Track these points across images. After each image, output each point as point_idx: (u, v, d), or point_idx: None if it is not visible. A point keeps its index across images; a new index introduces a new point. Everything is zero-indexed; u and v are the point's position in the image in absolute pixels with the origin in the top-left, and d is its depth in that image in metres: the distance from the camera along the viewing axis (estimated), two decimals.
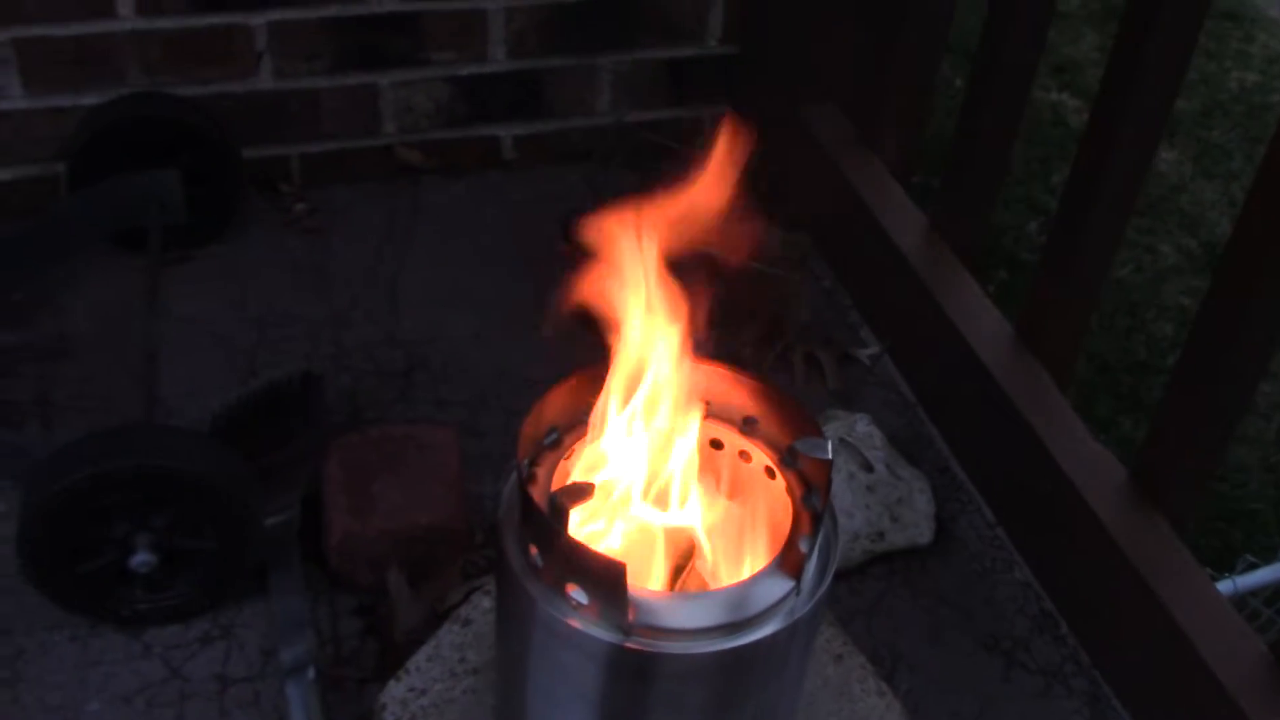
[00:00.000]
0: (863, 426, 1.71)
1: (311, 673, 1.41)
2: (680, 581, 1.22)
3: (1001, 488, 1.66)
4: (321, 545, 1.54)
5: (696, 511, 1.24)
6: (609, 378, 1.15)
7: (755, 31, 2.14)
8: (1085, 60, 3.02)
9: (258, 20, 1.97)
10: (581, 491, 1.10)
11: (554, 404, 1.20)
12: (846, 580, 1.63)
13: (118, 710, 1.41)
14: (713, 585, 1.22)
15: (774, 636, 1.11)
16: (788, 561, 1.12)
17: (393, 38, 2.05)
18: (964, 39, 2.51)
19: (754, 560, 1.21)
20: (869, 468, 1.67)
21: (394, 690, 1.34)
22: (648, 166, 2.13)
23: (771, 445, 1.22)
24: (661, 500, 1.23)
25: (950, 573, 1.65)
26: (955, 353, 1.69)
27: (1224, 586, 1.65)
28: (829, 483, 1.15)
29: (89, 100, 1.94)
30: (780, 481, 1.20)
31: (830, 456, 1.15)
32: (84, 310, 1.88)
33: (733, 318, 1.87)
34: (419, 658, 1.38)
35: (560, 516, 1.07)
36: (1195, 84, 3.09)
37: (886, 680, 1.51)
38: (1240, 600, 1.72)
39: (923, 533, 1.65)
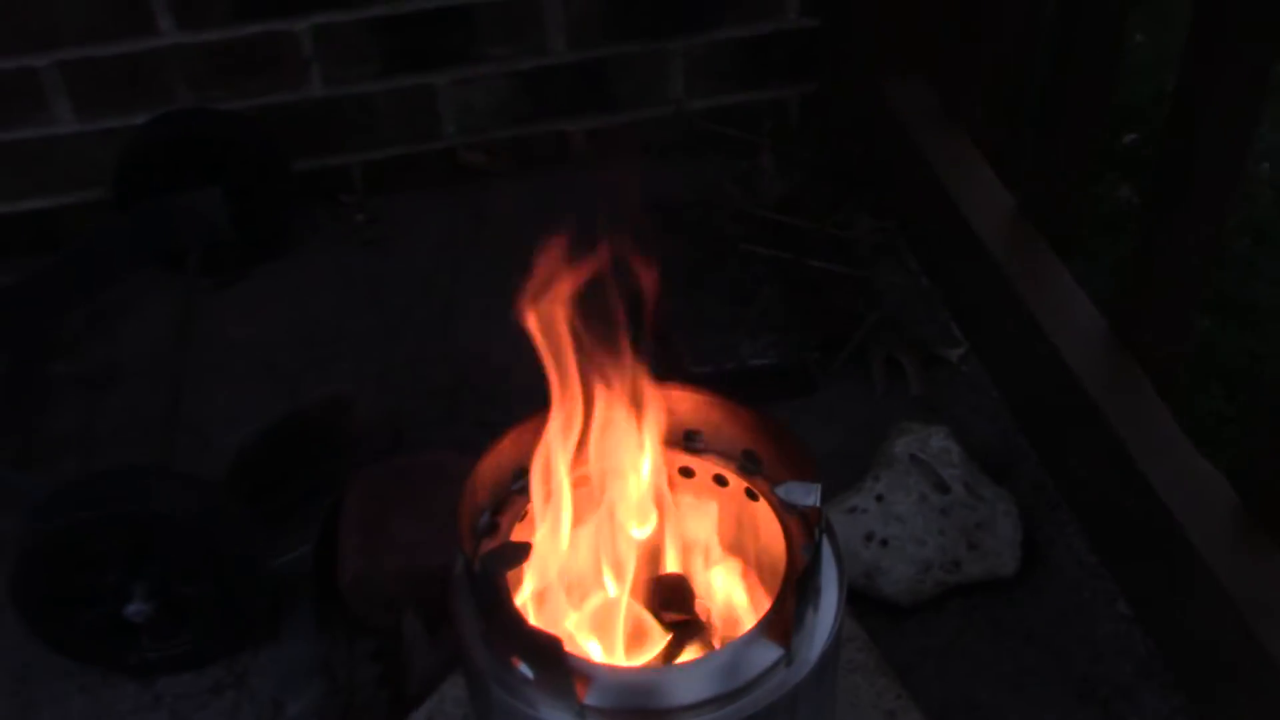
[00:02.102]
0: (938, 441, 1.51)
1: None
2: (678, 639, 1.07)
3: (1097, 510, 1.45)
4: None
5: (690, 559, 1.10)
6: (561, 423, 1.02)
7: (837, 1, 1.95)
8: None
9: (301, 25, 1.89)
10: (517, 553, 0.97)
11: (517, 445, 1.07)
12: (918, 616, 1.44)
13: None
14: (715, 644, 1.07)
15: (766, 711, 0.95)
16: (775, 625, 0.96)
17: (445, 34, 1.94)
18: None
19: (756, 615, 1.05)
20: (944, 488, 1.48)
21: None
22: (712, 155, 1.96)
23: (772, 485, 1.06)
24: (648, 548, 1.08)
25: (1040, 608, 1.44)
26: (1042, 355, 1.48)
27: None
28: (821, 532, 0.98)
29: (139, 119, 1.89)
30: (778, 528, 1.04)
31: (818, 504, 0.98)
32: (133, 338, 1.83)
33: (800, 320, 1.70)
34: (419, 714, 1.28)
35: (491, 583, 0.94)
36: None
37: None
38: None
39: (1005, 562, 1.45)
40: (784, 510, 1.04)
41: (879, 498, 1.48)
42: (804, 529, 1.02)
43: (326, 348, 1.81)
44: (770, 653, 0.96)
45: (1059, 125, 1.50)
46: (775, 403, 1.67)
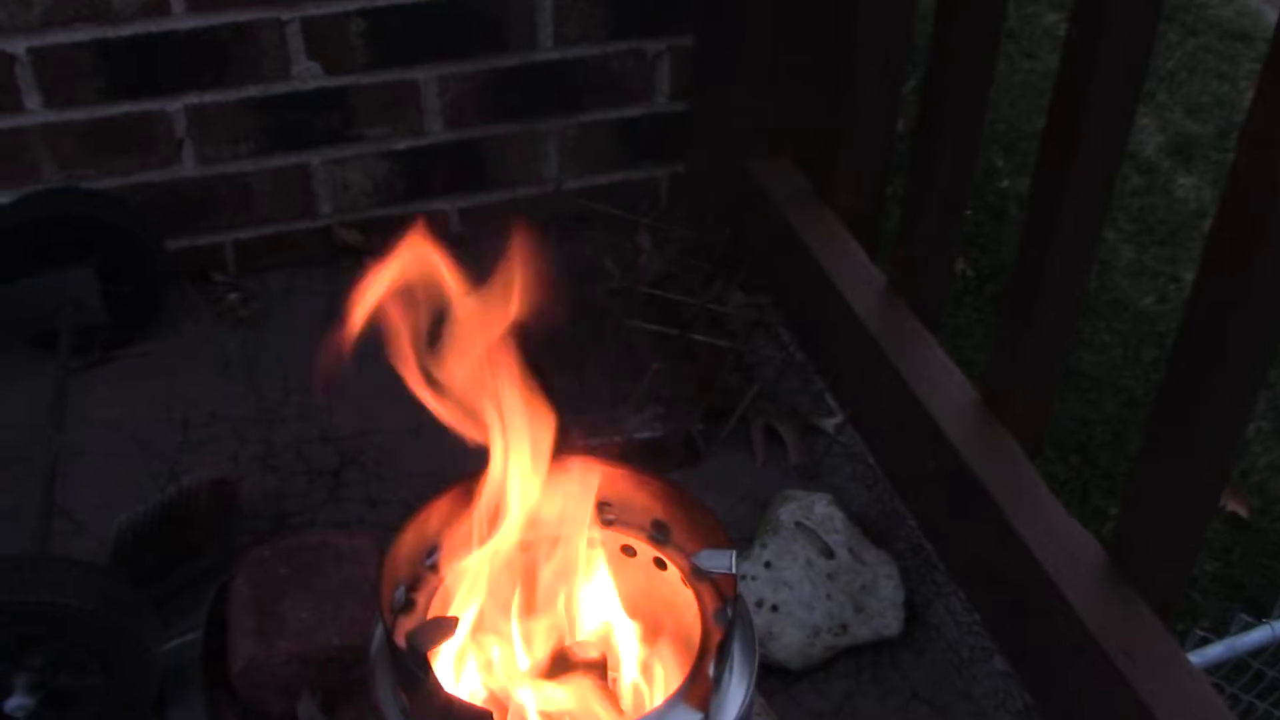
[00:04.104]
0: (821, 508, 1.57)
1: None
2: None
3: (973, 570, 1.51)
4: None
5: (604, 629, 1.12)
6: (479, 495, 1.03)
7: (704, 86, 2.03)
8: None
9: (174, 106, 1.88)
10: (443, 628, 0.97)
11: (429, 522, 1.08)
12: (809, 679, 1.48)
13: None
14: (626, 708, 1.09)
15: None
16: (694, 692, 0.99)
17: (321, 115, 1.95)
18: None
19: (669, 681, 1.08)
20: (829, 553, 1.53)
21: None
22: (589, 234, 2.01)
23: (682, 552, 1.10)
24: (561, 620, 1.10)
25: (923, 666, 1.50)
26: (918, 424, 1.55)
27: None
28: (734, 600, 1.02)
29: (5, 198, 1.85)
30: (689, 595, 1.07)
31: (733, 571, 1.02)
32: (1, 420, 1.78)
33: (683, 393, 1.74)
34: None
35: (419, 660, 0.94)
36: (1209, 106, 2.97)
37: None
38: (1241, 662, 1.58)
39: (889, 623, 1.50)
40: (694, 578, 1.07)
41: (767, 564, 1.52)
42: (716, 595, 1.05)
43: (203, 429, 1.79)
44: (689, 719, 0.98)
45: (926, 203, 1.59)
46: (662, 474, 1.71)
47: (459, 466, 1.71)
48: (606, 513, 1.12)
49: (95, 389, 1.83)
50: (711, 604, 1.05)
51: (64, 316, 1.77)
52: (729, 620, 1.00)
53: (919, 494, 1.61)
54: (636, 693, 1.10)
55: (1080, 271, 1.40)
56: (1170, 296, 2.37)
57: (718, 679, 0.99)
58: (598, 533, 1.11)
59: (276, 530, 1.64)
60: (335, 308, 1.97)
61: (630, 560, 1.12)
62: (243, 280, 2.03)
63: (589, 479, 1.06)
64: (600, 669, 1.09)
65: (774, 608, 1.49)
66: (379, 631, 1.04)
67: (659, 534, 1.11)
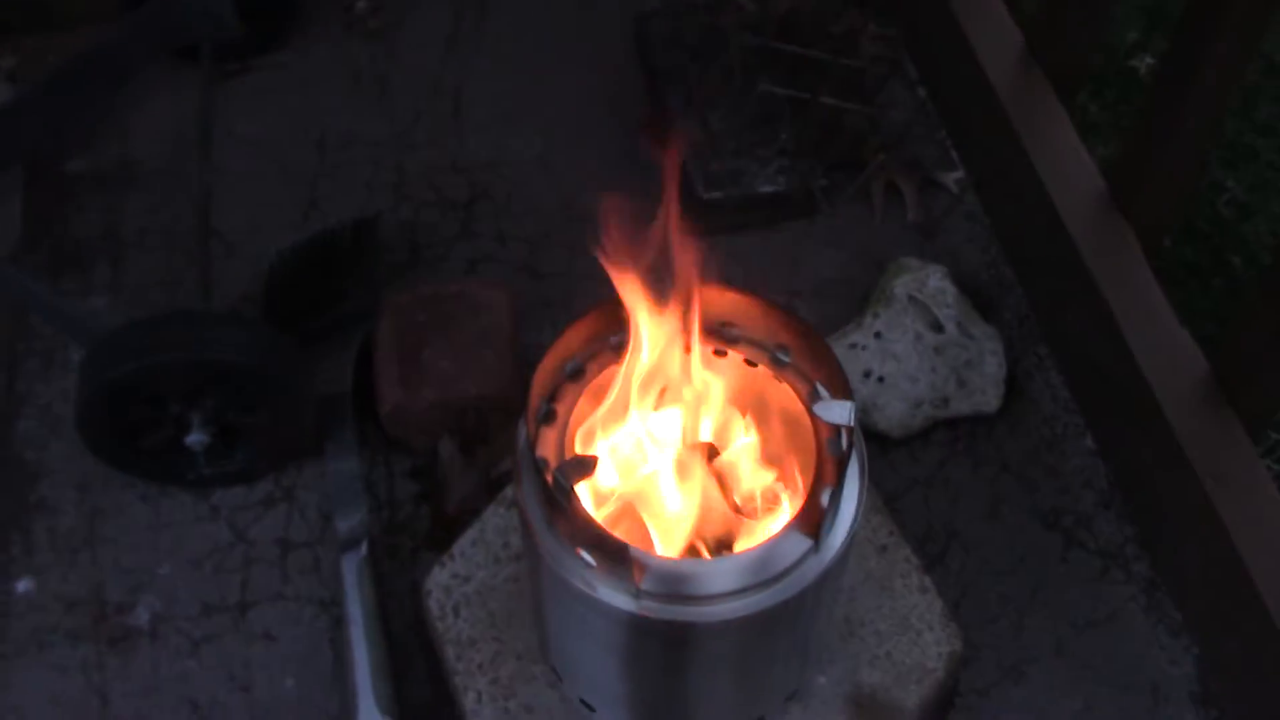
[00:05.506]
0: (935, 281, 1.62)
1: (364, 548, 1.46)
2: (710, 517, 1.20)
3: (1076, 357, 1.57)
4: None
5: (728, 442, 1.21)
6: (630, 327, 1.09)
7: None
8: None
9: None
10: (585, 466, 1.08)
11: (574, 337, 1.15)
12: (907, 446, 1.59)
13: (188, 574, 1.48)
14: (746, 517, 1.20)
15: (797, 596, 1.09)
16: (807, 520, 1.09)
17: None
18: None
19: (789, 497, 1.18)
20: (938, 327, 1.60)
21: (438, 576, 1.38)
22: None
23: (804, 379, 1.17)
24: (689, 435, 1.20)
25: (1017, 439, 1.59)
26: (1038, 205, 1.56)
27: None
28: (851, 440, 1.10)
29: None
30: (806, 422, 1.15)
31: (851, 423, 1.09)
32: (147, 134, 1.85)
33: (809, 138, 1.75)
34: (464, 542, 1.41)
35: (564, 492, 1.05)
36: None
37: (939, 558, 1.51)
38: None
39: (989, 400, 1.58)
40: (810, 409, 1.15)
41: (878, 334, 1.59)
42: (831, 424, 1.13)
43: (339, 152, 1.85)
44: (800, 544, 1.09)
45: None
46: (779, 225, 1.76)
47: (583, 203, 1.79)
48: (731, 330, 1.19)
49: (233, 102, 1.88)
50: (826, 430, 1.14)
51: (201, 31, 1.80)
52: (843, 453, 1.08)
53: (1032, 271, 1.64)
54: (752, 498, 1.21)
55: (1237, 66, 1.34)
56: None
57: (828, 508, 1.09)
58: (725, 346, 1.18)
59: (412, 263, 1.73)
60: (460, 21, 1.98)
61: (752, 369, 1.19)
62: None
63: (711, 301, 1.11)
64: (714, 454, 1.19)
65: (880, 379, 1.57)
66: (524, 437, 1.14)
67: (781, 359, 1.18)
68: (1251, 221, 2.08)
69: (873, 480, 1.46)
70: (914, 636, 1.33)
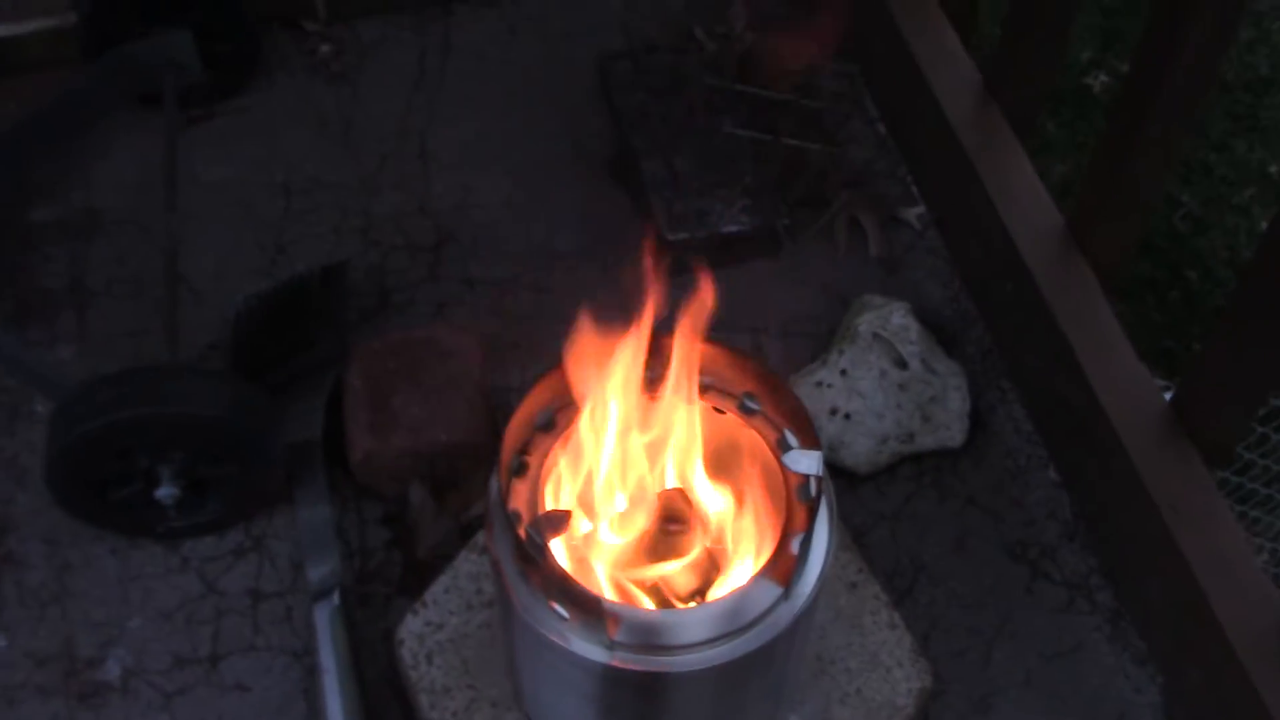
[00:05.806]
0: (899, 318, 1.64)
1: (336, 597, 1.46)
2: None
3: (1038, 391, 1.60)
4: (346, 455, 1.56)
5: (699, 491, 1.22)
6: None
7: None
8: None
9: None
10: (558, 521, 1.09)
11: (544, 390, 1.16)
12: (874, 481, 1.61)
13: (158, 627, 1.48)
14: (721, 563, 1.21)
15: (769, 644, 1.11)
16: (777, 568, 1.11)
17: None
18: None
19: (760, 544, 1.19)
20: (903, 364, 1.62)
21: (411, 624, 1.38)
22: None
23: (772, 426, 1.19)
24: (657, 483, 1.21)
25: (982, 473, 1.61)
26: (998, 242, 1.59)
27: None
28: (820, 488, 1.11)
29: None
30: (775, 468, 1.17)
31: (820, 473, 1.11)
32: (112, 182, 1.85)
33: (772, 177, 1.77)
34: (436, 588, 1.42)
35: (538, 548, 1.06)
36: None
37: (908, 592, 1.52)
38: None
39: (954, 435, 1.60)
40: (779, 447, 1.16)
41: (843, 372, 1.61)
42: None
43: (305, 196, 1.85)
44: (771, 592, 1.10)
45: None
46: (744, 263, 1.78)
47: (551, 244, 1.80)
48: (701, 378, 1.20)
49: (197, 148, 1.88)
50: (795, 478, 1.15)
51: (165, 79, 1.80)
52: (813, 500, 1.10)
53: (993, 306, 1.67)
54: (717, 540, 1.22)
55: (1195, 97, 1.36)
56: None
57: (800, 559, 1.10)
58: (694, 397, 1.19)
59: (380, 307, 1.74)
60: (425, 62, 1.99)
61: (720, 417, 1.21)
62: (333, 29, 2.03)
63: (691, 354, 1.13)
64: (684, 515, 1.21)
65: (846, 416, 1.59)
66: (496, 491, 1.14)
67: (749, 406, 1.20)
68: (1206, 236, 2.13)
69: (841, 516, 1.48)
70: (884, 673, 1.34)
